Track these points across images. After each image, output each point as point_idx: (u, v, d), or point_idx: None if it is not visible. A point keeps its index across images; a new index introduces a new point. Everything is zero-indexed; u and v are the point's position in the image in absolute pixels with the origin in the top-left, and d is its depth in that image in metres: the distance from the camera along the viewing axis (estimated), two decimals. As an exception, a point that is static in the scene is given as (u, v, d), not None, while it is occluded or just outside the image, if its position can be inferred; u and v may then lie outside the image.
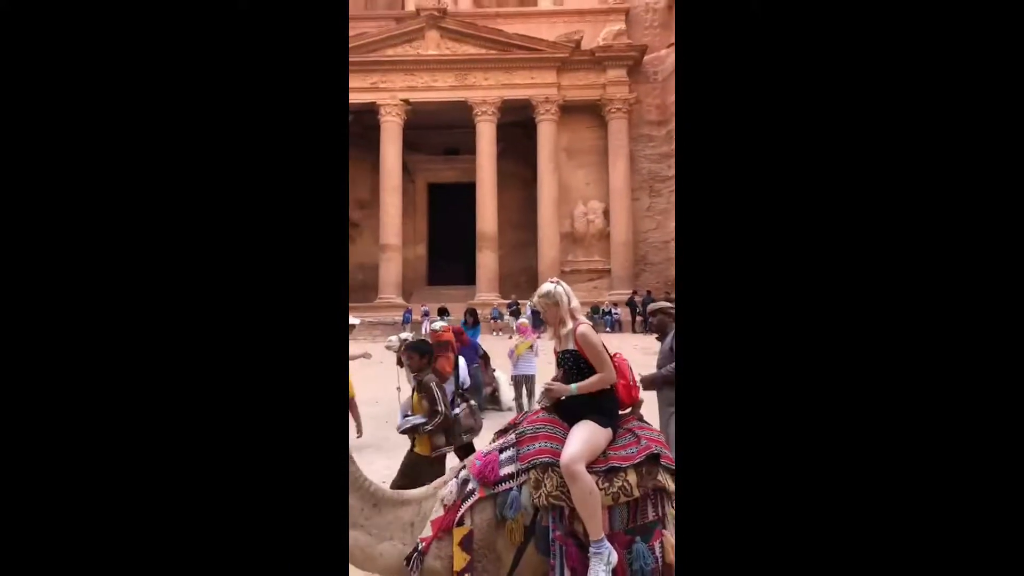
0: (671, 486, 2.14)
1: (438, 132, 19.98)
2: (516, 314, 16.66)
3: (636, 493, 2.11)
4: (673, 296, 17.54)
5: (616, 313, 16.74)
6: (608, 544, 2.04)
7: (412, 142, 19.37)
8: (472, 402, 4.04)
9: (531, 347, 7.48)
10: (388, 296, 18.22)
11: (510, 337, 14.67)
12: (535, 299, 2.43)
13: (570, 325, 2.31)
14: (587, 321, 2.37)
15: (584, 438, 2.13)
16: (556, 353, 2.38)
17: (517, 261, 19.52)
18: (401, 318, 16.70)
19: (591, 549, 2.04)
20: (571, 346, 2.29)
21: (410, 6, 19.53)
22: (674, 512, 2.14)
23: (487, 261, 18.38)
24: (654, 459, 2.17)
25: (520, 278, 19.18)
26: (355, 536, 2.12)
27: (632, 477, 2.12)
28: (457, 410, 3.73)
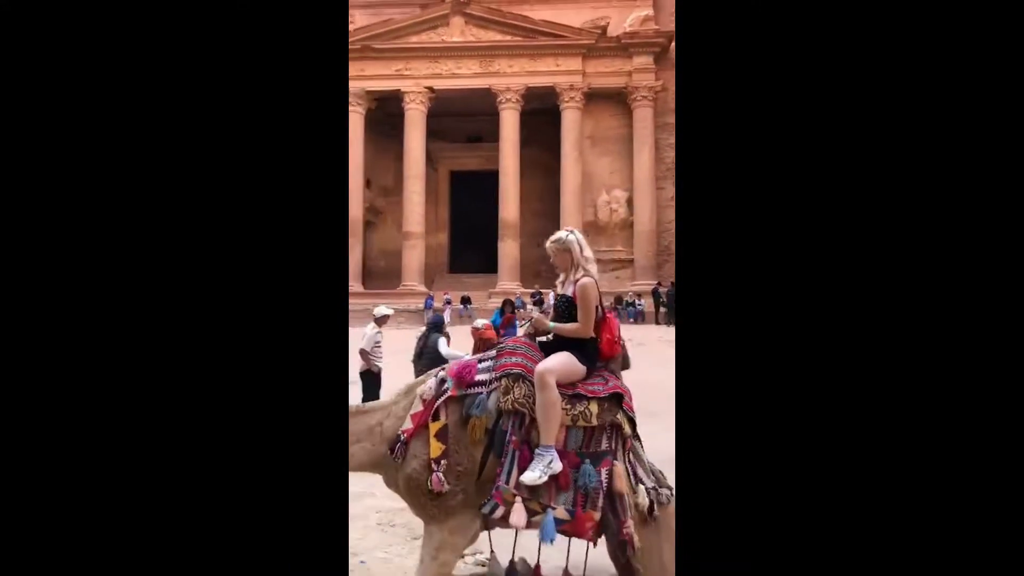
0: (627, 427, 2.42)
1: (461, 119, 19.94)
2: (540, 303, 16.69)
3: (594, 422, 2.35)
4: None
5: (640, 304, 16.64)
6: (555, 453, 2.27)
7: (435, 129, 19.37)
8: None
9: None
10: (411, 283, 18.36)
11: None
12: (548, 244, 2.57)
13: (578, 274, 2.47)
14: (594, 276, 2.50)
15: (562, 360, 2.39)
16: (556, 296, 2.55)
17: (539, 250, 19.34)
18: (423, 304, 16.84)
19: (537, 451, 2.27)
20: (570, 292, 2.47)
21: (435, -8, 19.45)
22: (623, 449, 2.41)
23: (509, 249, 18.39)
24: (616, 398, 2.41)
25: (541, 267, 19.13)
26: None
27: (593, 407, 2.36)
28: None
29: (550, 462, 2.25)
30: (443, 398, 2.36)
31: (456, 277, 19.86)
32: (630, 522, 2.29)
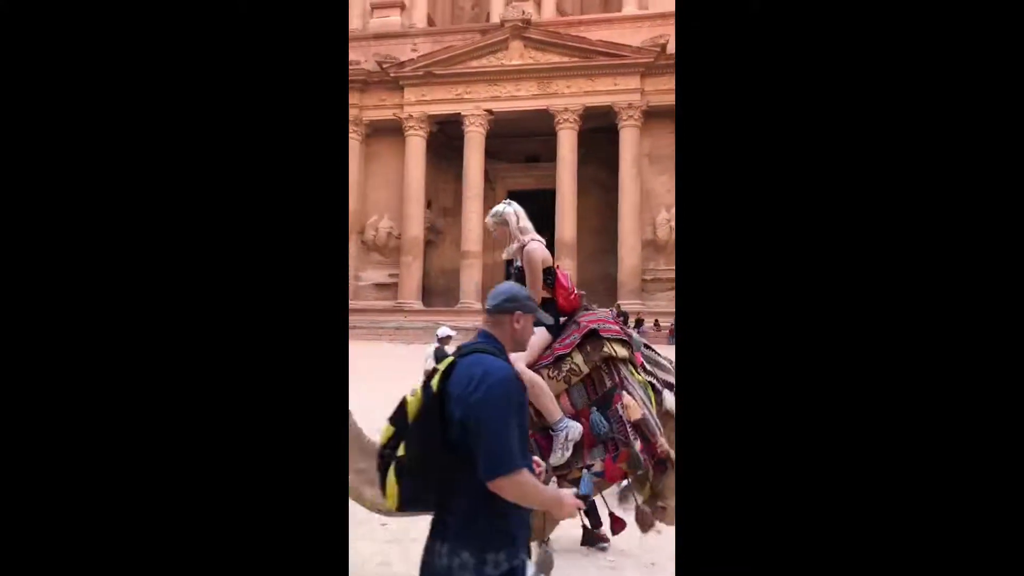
0: (621, 352, 2.38)
1: (519, 140, 20.22)
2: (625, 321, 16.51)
3: (585, 369, 2.35)
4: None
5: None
6: (566, 423, 2.29)
7: (494, 150, 19.72)
8: None
9: None
10: (468, 301, 18.62)
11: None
12: (487, 219, 2.66)
13: (518, 243, 2.54)
14: (539, 240, 2.55)
15: None
16: (512, 269, 2.61)
17: (596, 269, 19.32)
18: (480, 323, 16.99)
19: (550, 431, 2.30)
20: (519, 262, 2.53)
21: (495, 18, 19.96)
22: (639, 376, 2.40)
23: (565, 268, 18.32)
24: (593, 335, 2.39)
25: (599, 286, 18.96)
26: (374, 492, 2.46)
27: (578, 358, 2.37)
28: None
29: (566, 436, 2.28)
30: None
31: (513, 295, 19.93)
32: (662, 439, 2.29)
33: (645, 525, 2.51)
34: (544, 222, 19.53)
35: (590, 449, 2.29)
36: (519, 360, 2.33)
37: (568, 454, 2.27)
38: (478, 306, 18.47)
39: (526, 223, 2.61)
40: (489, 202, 20.42)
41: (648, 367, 2.48)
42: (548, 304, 2.53)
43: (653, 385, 2.42)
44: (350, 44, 20.39)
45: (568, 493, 1.67)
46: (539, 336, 2.44)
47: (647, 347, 2.56)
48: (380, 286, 19.80)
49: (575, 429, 2.29)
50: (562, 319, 2.55)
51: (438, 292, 20.33)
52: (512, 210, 2.61)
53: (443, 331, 6.74)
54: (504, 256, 2.71)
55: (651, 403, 2.36)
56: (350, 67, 19.64)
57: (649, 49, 18.27)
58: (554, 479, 2.27)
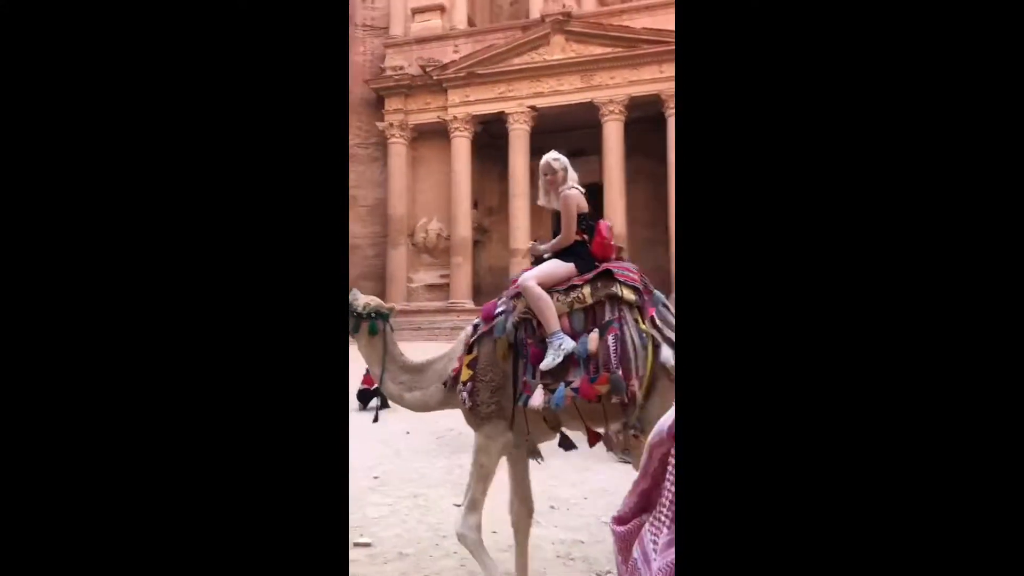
0: (628, 295, 2.77)
1: (564, 135, 20.03)
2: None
3: (589, 300, 2.76)
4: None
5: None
6: (562, 336, 2.70)
7: (538, 147, 19.60)
8: None
9: None
10: (518, 299, 18.65)
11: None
12: (545, 160, 3.10)
13: (558, 191, 2.99)
14: (577, 188, 3.01)
15: (541, 267, 2.90)
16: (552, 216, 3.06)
17: (646, 261, 18.88)
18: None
19: (547, 340, 2.72)
20: (557, 205, 3.00)
21: (535, 14, 19.85)
22: (643, 325, 2.73)
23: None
24: (607, 275, 2.81)
25: (651, 279, 18.58)
26: (412, 396, 3.13)
27: (586, 290, 2.79)
28: None
29: (560, 346, 2.66)
30: (476, 335, 2.90)
31: (563, 292, 19.85)
32: (635, 382, 2.60)
33: (611, 446, 2.84)
34: (593, 216, 19.21)
35: (574, 369, 2.64)
36: (530, 279, 2.78)
37: (559, 360, 2.63)
38: (528, 304, 18.44)
39: (573, 174, 3.05)
40: (535, 200, 20.32)
41: (658, 323, 2.76)
42: (581, 246, 2.90)
43: (655, 339, 2.70)
44: (393, 50, 20.77)
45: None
46: (562, 266, 2.84)
47: (666, 307, 2.87)
48: (431, 287, 20.09)
49: (569, 343, 2.67)
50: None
51: (487, 291, 20.42)
52: (561, 164, 3.04)
53: None
54: (540, 202, 3.16)
55: (648, 353, 2.66)
56: (394, 72, 20.00)
57: (695, 33, 17.71)
58: (540, 385, 2.68)
